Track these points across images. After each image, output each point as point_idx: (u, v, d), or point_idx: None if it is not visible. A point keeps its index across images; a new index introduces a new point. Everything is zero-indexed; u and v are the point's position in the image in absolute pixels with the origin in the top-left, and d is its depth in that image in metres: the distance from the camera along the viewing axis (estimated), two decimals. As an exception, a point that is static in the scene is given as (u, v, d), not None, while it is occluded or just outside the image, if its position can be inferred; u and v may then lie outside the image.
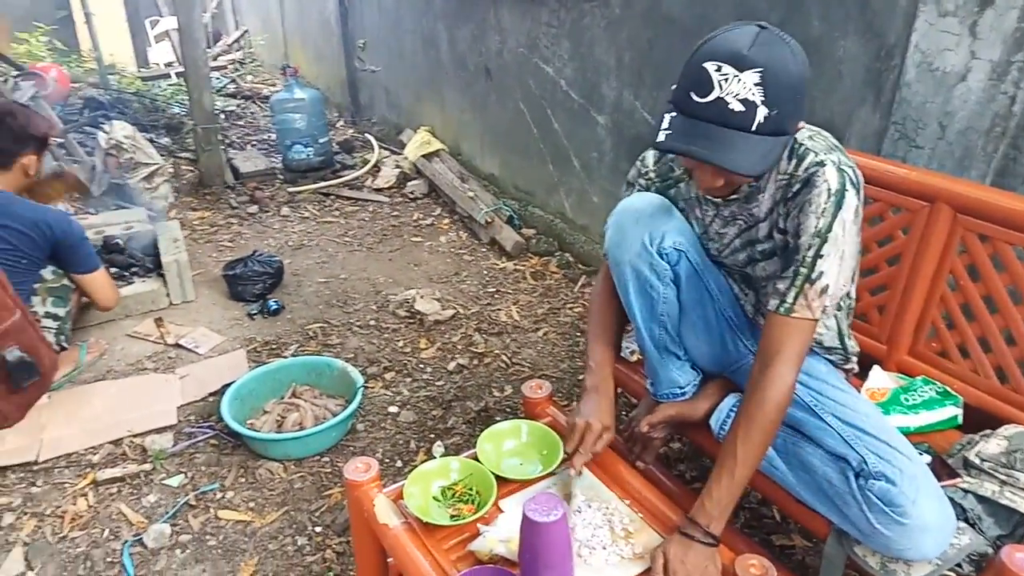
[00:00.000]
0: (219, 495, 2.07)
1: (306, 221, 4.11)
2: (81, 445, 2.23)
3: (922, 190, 1.62)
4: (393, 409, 2.44)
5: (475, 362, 2.69)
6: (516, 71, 3.60)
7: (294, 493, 2.08)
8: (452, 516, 1.36)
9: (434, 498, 1.41)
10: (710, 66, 1.16)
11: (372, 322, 2.98)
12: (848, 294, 1.47)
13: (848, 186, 1.24)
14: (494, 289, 3.25)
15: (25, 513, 2.01)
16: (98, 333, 2.88)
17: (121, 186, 3.97)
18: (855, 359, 1.55)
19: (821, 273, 1.26)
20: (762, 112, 1.15)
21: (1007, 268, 1.52)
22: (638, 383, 1.78)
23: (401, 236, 3.88)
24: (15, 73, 4.84)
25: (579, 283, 3.24)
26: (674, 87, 1.23)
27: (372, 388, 2.53)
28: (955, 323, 1.62)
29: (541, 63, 3.37)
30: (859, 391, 1.50)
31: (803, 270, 1.26)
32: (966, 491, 1.30)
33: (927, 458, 1.36)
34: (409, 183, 4.51)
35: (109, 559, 1.86)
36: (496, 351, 2.75)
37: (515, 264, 3.48)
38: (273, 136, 5.12)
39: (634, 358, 1.88)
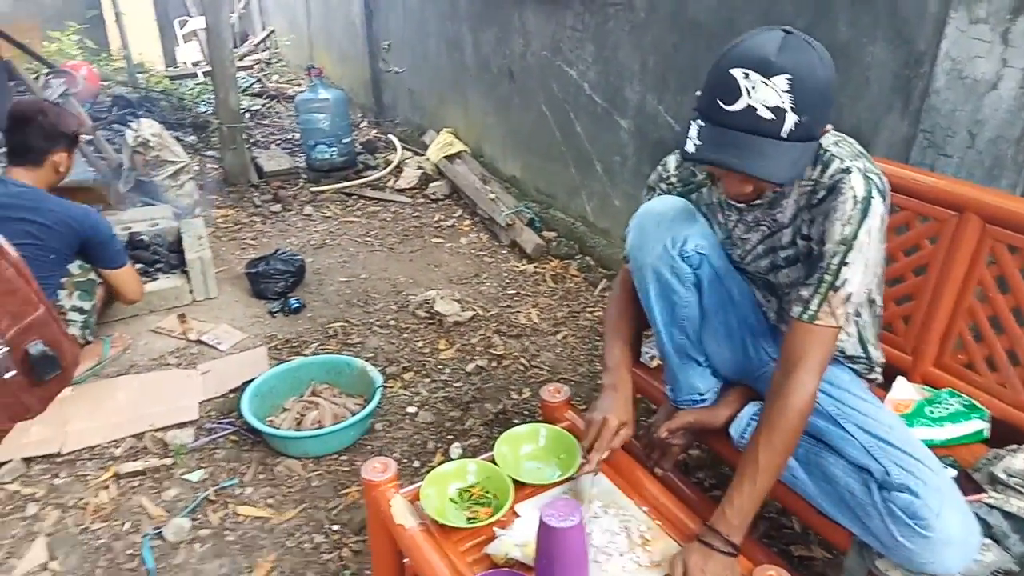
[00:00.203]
0: (238, 491, 2.09)
1: (328, 220, 4.14)
2: (104, 438, 2.26)
3: (951, 199, 1.60)
4: (411, 409, 2.44)
5: (494, 364, 2.69)
6: (539, 74, 3.60)
7: (312, 491, 2.09)
8: (469, 519, 1.36)
9: (451, 500, 1.41)
10: (737, 73, 1.15)
11: (392, 322, 2.99)
12: (873, 302, 1.45)
13: (874, 193, 1.23)
14: (514, 291, 3.25)
15: (48, 504, 2.04)
16: (122, 328, 2.92)
17: (147, 183, 4.02)
18: (880, 369, 1.53)
19: (846, 280, 1.24)
20: (791, 119, 1.15)
21: (1037, 280, 1.49)
22: (657, 389, 1.77)
23: (422, 237, 3.89)
24: (46, 71, 4.93)
25: (599, 287, 3.23)
26: (699, 94, 1.23)
27: (391, 388, 2.54)
28: (983, 335, 1.59)
29: (565, 66, 3.37)
30: (883, 402, 1.48)
31: (827, 277, 1.25)
32: (992, 507, 1.28)
33: (952, 472, 1.34)
34: (431, 184, 4.53)
35: (129, 551, 1.89)
36: (515, 353, 2.75)
37: (535, 267, 3.48)
38: (297, 136, 5.16)
39: (654, 363, 1.88)
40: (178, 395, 2.48)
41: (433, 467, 2.16)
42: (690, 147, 1.21)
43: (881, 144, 1.98)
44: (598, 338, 2.85)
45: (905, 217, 1.70)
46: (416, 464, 2.20)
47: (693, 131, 1.22)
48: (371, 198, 4.46)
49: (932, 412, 1.54)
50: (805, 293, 1.28)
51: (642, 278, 1.51)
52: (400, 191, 4.54)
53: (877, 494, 1.22)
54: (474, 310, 3.04)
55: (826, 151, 1.28)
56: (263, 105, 6.71)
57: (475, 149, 4.58)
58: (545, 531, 1.10)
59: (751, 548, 1.34)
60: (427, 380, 2.60)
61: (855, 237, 1.23)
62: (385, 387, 2.46)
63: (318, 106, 4.66)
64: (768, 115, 1.14)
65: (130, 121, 4.59)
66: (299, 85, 7.02)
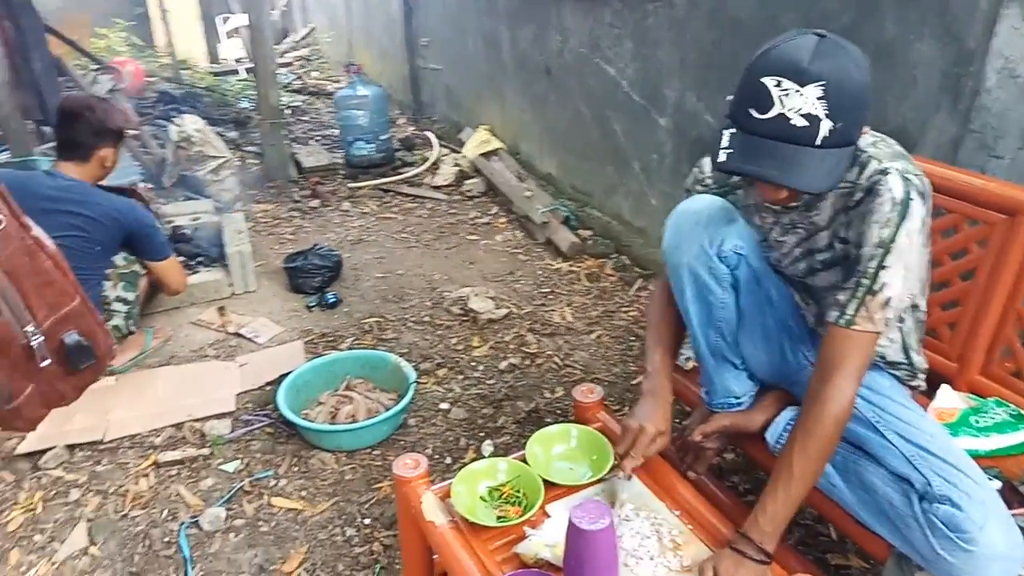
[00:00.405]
0: (273, 482, 2.12)
1: (365, 216, 4.18)
2: (144, 427, 2.31)
3: (1001, 202, 1.54)
4: (444, 406, 2.45)
5: (527, 362, 2.68)
6: (577, 71, 3.58)
7: (345, 484, 2.11)
8: (499, 517, 1.35)
9: (481, 498, 1.41)
10: (769, 81, 1.12)
11: (427, 318, 3.00)
12: (916, 307, 1.41)
13: (913, 195, 1.19)
14: (548, 290, 3.24)
15: (90, 490, 2.09)
16: (164, 319, 2.98)
17: (190, 178, 4.10)
18: (923, 376, 1.49)
19: (884, 285, 1.21)
20: (826, 126, 1.12)
21: (1092, 287, 1.43)
22: (692, 391, 1.74)
23: (457, 234, 3.90)
24: (95, 67, 5.05)
25: (635, 286, 3.21)
26: (730, 99, 1.20)
27: (424, 384, 2.55)
28: (1032, 343, 1.54)
29: (603, 63, 3.34)
30: (926, 410, 1.44)
31: (865, 281, 1.22)
32: (1038, 521, 1.23)
33: (997, 484, 1.30)
34: (467, 181, 4.54)
35: (166, 539, 1.93)
36: (548, 352, 2.74)
37: (570, 265, 3.46)
38: (336, 132, 5.21)
39: (689, 365, 1.85)
40: (216, 387, 2.53)
41: (465, 464, 2.17)
42: (721, 156, 1.19)
43: (928, 145, 1.93)
44: (632, 338, 2.82)
45: (952, 220, 1.65)
46: (448, 460, 2.21)
47: (725, 139, 1.19)
48: (408, 195, 4.48)
49: (977, 421, 1.49)
50: (842, 297, 1.25)
51: (678, 278, 1.49)
52: (436, 188, 4.56)
53: (918, 505, 1.19)
54: (508, 308, 3.04)
55: (863, 152, 1.24)
56: (303, 101, 6.79)
57: (511, 146, 4.58)
58: (575, 533, 1.09)
59: (785, 555, 1.32)
60: (460, 377, 2.61)
61: (893, 240, 1.20)
62: (419, 383, 2.47)
63: (357, 103, 4.70)
64: (802, 123, 1.12)
65: (174, 117, 4.68)
66: (339, 82, 7.10)
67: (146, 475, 2.14)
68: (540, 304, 3.11)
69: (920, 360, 1.47)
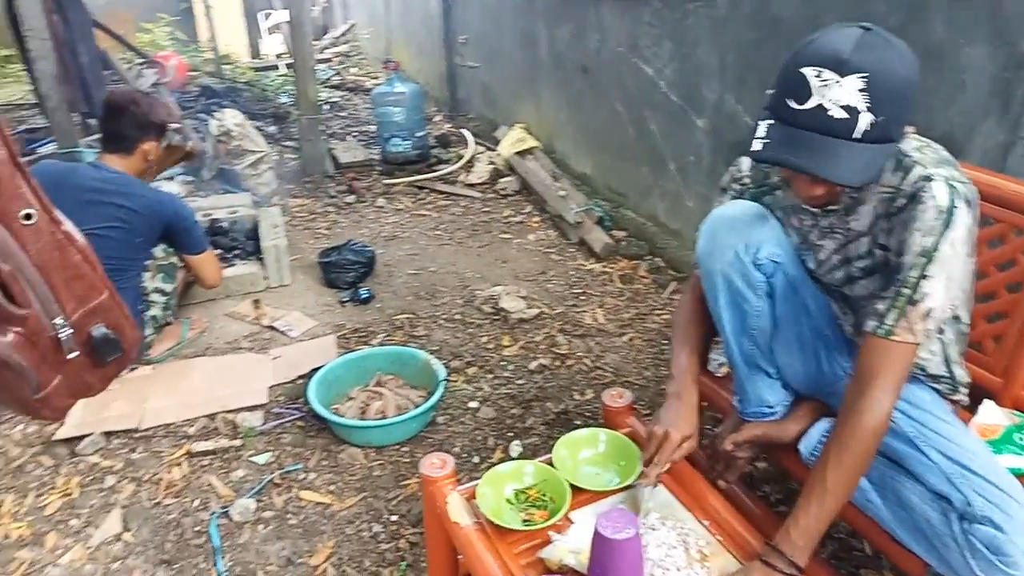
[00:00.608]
0: (302, 476, 2.14)
1: (400, 213, 4.20)
2: (178, 417, 2.35)
3: (1052, 212, 1.49)
4: (473, 404, 2.45)
5: (557, 363, 2.67)
6: (614, 71, 3.55)
7: (373, 480, 2.13)
8: (524, 521, 1.35)
9: (507, 501, 1.40)
10: (809, 71, 1.10)
11: (458, 316, 3.01)
12: (958, 318, 1.37)
13: (959, 203, 1.15)
14: (580, 290, 3.22)
15: (125, 477, 2.13)
16: (200, 311, 3.03)
17: (229, 171, 4.16)
18: (965, 391, 1.45)
19: (925, 295, 1.18)
20: (866, 119, 1.09)
21: None
22: (725, 399, 1.72)
23: (491, 232, 3.90)
24: (139, 61, 5.16)
25: (668, 289, 3.17)
26: (770, 91, 1.18)
27: (454, 382, 2.55)
28: (1082, 359, 1.48)
29: (640, 63, 3.31)
30: (968, 426, 1.40)
31: (905, 291, 1.18)
32: (1085, 545, 1.18)
33: (1041, 505, 1.25)
34: (501, 179, 4.54)
35: (197, 528, 1.96)
36: (579, 353, 2.73)
37: (603, 266, 3.44)
38: (373, 128, 5.25)
39: (723, 371, 1.82)
40: (249, 379, 2.56)
41: (493, 464, 2.17)
42: (757, 145, 1.17)
43: (975, 151, 1.87)
44: (665, 342, 2.79)
45: (1000, 230, 1.59)
46: (475, 460, 2.20)
47: (762, 129, 1.17)
48: (442, 192, 4.50)
49: (1022, 439, 1.44)
50: (881, 307, 1.21)
51: (712, 285, 1.47)
52: (471, 186, 4.57)
53: (957, 525, 1.15)
54: (539, 308, 3.03)
55: (907, 156, 1.21)
56: (341, 97, 6.86)
57: (547, 145, 4.56)
58: (600, 541, 1.08)
59: (816, 569, 1.29)
60: (490, 376, 2.61)
61: (936, 249, 1.16)
62: (448, 381, 2.47)
63: (394, 99, 4.72)
64: (841, 114, 1.09)
65: (215, 111, 4.76)
66: (377, 78, 7.15)
67: (179, 464, 2.18)
68: (572, 305, 3.10)
69: (962, 374, 1.43)
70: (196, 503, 2.04)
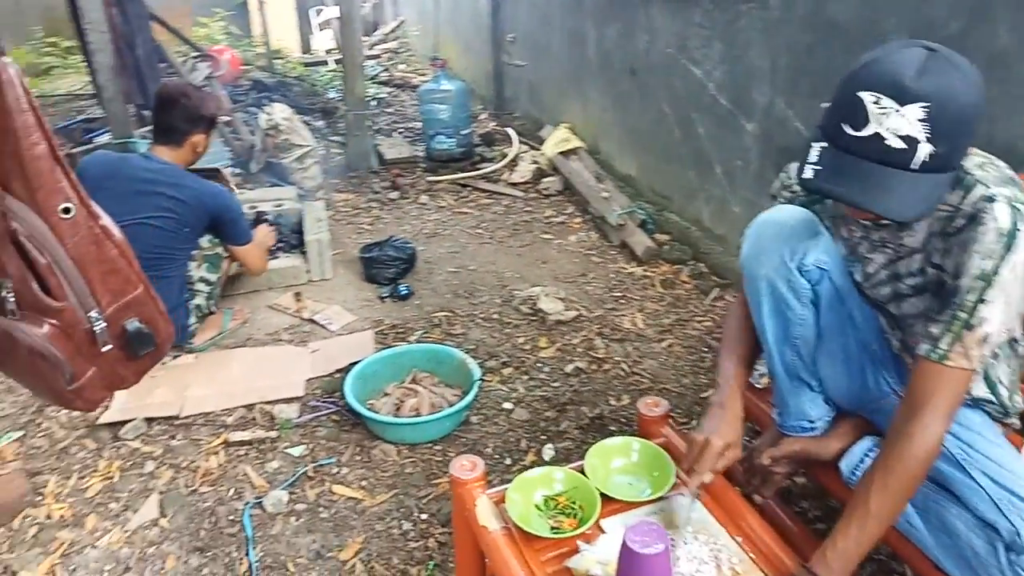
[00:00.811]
0: (335, 470, 2.15)
1: (442, 210, 4.21)
2: (218, 406, 2.39)
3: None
4: (507, 405, 2.44)
5: (594, 367, 2.64)
6: (662, 72, 3.50)
7: (404, 477, 2.13)
8: (552, 528, 1.33)
9: (536, 507, 1.39)
10: (867, 96, 1.05)
11: (495, 315, 3.00)
12: (1015, 340, 1.31)
13: (1021, 225, 1.09)
14: (620, 294, 3.19)
15: (164, 464, 2.17)
16: (243, 301, 3.08)
17: (276, 165, 4.23)
18: (1016, 414, 1.38)
19: (983, 320, 1.12)
20: (925, 149, 1.04)
21: None
22: (764, 411, 1.68)
23: (531, 232, 3.88)
24: (194, 54, 5.27)
25: (711, 295, 3.12)
26: (825, 107, 1.13)
27: (489, 382, 2.55)
28: None
29: (690, 65, 3.25)
30: (1020, 451, 1.34)
31: (962, 315, 1.13)
32: None
33: (1098, 539, 1.18)
34: (544, 179, 4.51)
35: (231, 517, 1.98)
36: (616, 358, 2.69)
37: (644, 270, 3.39)
38: (419, 125, 5.28)
39: (763, 382, 1.78)
40: (288, 371, 2.59)
41: (525, 466, 2.16)
42: (808, 172, 1.12)
43: (1040, 164, 1.78)
44: (705, 349, 2.74)
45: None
46: (507, 462, 2.19)
47: (814, 153, 1.12)
48: (485, 190, 4.49)
49: (1079, 468, 1.37)
50: (935, 330, 1.16)
51: (755, 291, 1.43)
52: (513, 185, 4.56)
53: (1003, 556, 1.10)
54: (578, 310, 3.00)
55: (969, 174, 1.15)
56: (389, 93, 6.91)
57: (591, 146, 4.52)
58: (628, 555, 1.06)
59: (853, 595, 1.24)
60: (525, 377, 2.59)
61: (996, 273, 1.10)
62: (483, 381, 2.47)
63: (440, 97, 4.74)
64: (899, 144, 1.04)
65: (265, 105, 4.84)
66: (425, 75, 7.19)
67: (216, 453, 2.21)
68: (611, 308, 3.06)
69: (1017, 399, 1.36)
70: (231, 492, 2.07)
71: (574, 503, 1.38)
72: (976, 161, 1.16)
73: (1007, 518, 1.13)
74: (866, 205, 1.08)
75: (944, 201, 1.17)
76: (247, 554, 1.86)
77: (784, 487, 1.89)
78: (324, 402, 2.43)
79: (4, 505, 1.97)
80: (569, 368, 2.63)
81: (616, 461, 1.49)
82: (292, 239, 3.40)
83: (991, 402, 1.35)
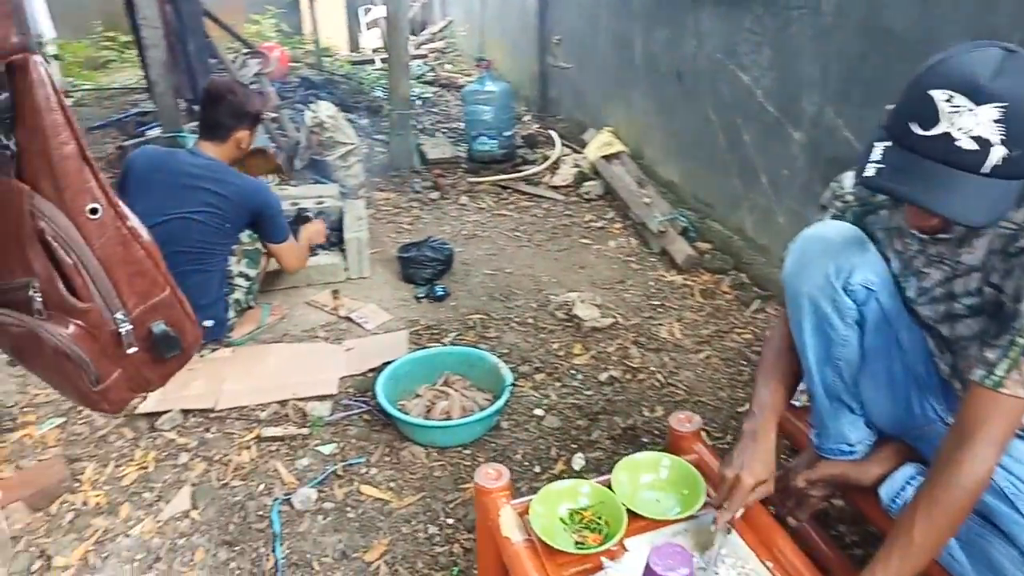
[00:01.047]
0: (364, 470, 2.15)
1: (482, 212, 4.20)
2: (252, 401, 2.42)
3: None
4: (539, 412, 2.42)
5: (628, 376, 2.60)
6: (709, 77, 3.44)
7: (432, 480, 2.12)
8: (576, 543, 1.30)
9: (560, 520, 1.36)
10: (939, 95, 1.00)
11: (530, 320, 2.98)
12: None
13: None
14: (658, 302, 3.14)
15: (198, 456, 2.20)
16: (282, 297, 3.11)
17: (320, 162, 4.27)
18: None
19: None
20: (998, 152, 0.98)
21: None
22: (802, 431, 1.62)
23: (570, 236, 3.85)
24: (245, 51, 5.36)
25: (752, 307, 3.05)
26: (890, 108, 1.08)
27: (521, 387, 2.52)
28: None
29: (738, 71, 3.19)
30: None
31: (1021, 340, 1.07)
32: None
33: None
34: (585, 183, 4.48)
35: (260, 512, 2.00)
36: (652, 368, 2.65)
37: (684, 278, 3.33)
38: (462, 125, 5.29)
39: (803, 399, 1.72)
40: (322, 368, 2.60)
41: (554, 475, 2.13)
42: (870, 171, 1.07)
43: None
44: (744, 362, 2.68)
45: None
46: (536, 469, 2.17)
47: (877, 152, 1.07)
48: (525, 193, 4.48)
49: None
50: (991, 355, 1.10)
51: (797, 308, 1.38)
52: (554, 188, 4.53)
53: (1052, 598, 1.04)
54: (614, 317, 2.96)
55: None
56: (434, 93, 6.94)
57: (634, 151, 4.47)
58: (652, 578, 1.03)
59: (889, 629, 1.19)
60: (558, 384, 2.56)
61: None
62: (515, 386, 2.45)
63: (484, 98, 4.74)
64: (970, 145, 0.99)
65: (312, 102, 4.89)
66: (470, 75, 7.20)
67: (249, 447, 2.23)
68: (648, 316, 3.02)
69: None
70: (261, 487, 2.08)
71: (599, 518, 1.35)
72: None
73: (1056, 558, 1.07)
74: (929, 205, 1.03)
75: (1008, 218, 1.11)
76: (274, 550, 1.87)
77: (821, 509, 1.84)
78: (356, 401, 2.44)
79: (44, 490, 2.02)
80: (603, 376, 2.60)
81: (645, 476, 1.45)
82: (333, 236, 3.42)
83: None
